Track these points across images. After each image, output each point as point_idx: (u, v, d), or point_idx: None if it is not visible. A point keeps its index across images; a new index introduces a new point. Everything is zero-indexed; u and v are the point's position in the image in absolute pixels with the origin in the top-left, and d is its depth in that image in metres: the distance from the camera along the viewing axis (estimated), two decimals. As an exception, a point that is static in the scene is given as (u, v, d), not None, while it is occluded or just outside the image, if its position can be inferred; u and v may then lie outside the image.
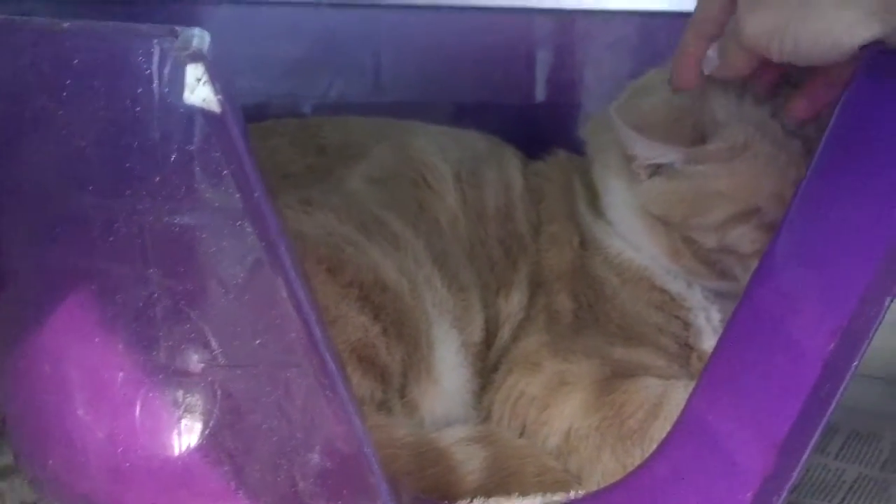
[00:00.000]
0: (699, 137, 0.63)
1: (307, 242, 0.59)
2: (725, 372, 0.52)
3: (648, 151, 0.64)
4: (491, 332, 0.67)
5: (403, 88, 0.86)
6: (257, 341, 0.46)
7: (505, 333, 0.67)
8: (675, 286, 0.69)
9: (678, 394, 0.62)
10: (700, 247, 0.65)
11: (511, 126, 0.88)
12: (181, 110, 0.40)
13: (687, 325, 0.68)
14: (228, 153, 0.40)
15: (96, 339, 0.48)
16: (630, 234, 0.68)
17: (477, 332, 0.65)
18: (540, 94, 0.87)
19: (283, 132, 0.71)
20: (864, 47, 0.49)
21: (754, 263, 0.61)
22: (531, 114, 0.88)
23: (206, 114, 0.40)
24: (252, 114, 0.82)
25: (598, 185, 0.70)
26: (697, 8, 0.59)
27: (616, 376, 0.64)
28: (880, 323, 0.44)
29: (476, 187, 0.71)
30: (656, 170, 0.65)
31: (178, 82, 0.40)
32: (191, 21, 0.81)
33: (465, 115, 0.86)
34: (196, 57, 0.39)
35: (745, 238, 0.63)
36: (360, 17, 0.85)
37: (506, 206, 0.71)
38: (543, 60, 0.87)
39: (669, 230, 0.66)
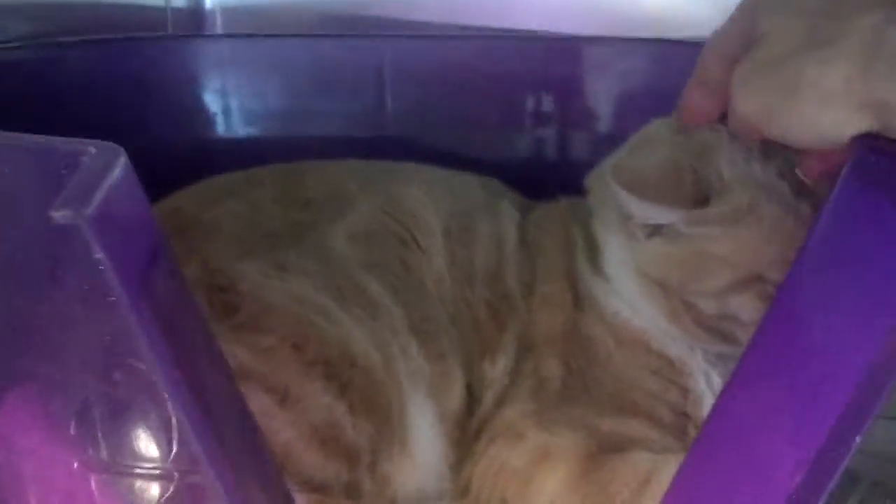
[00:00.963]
0: (701, 198, 0.59)
1: (274, 315, 0.57)
2: (696, 480, 0.49)
3: (645, 213, 0.60)
4: (474, 398, 0.65)
5: (408, 120, 0.83)
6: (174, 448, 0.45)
7: (488, 400, 0.64)
8: (675, 350, 0.65)
9: (668, 471, 0.58)
10: (700, 311, 0.61)
11: (519, 156, 0.85)
12: (87, 225, 0.38)
13: (685, 391, 0.65)
14: (124, 270, 0.38)
15: (44, 435, 0.48)
16: (628, 293, 0.65)
17: (455, 401, 0.63)
18: (549, 123, 0.84)
19: (266, 183, 0.69)
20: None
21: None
22: (540, 143, 0.84)
23: (106, 230, 0.38)
24: (250, 148, 0.82)
25: (598, 240, 0.67)
26: (698, 65, 0.55)
27: (603, 451, 0.61)
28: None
29: (466, 245, 0.68)
30: (655, 230, 0.61)
31: (85, 198, 0.38)
32: (187, 55, 0.80)
33: (470, 146, 0.83)
34: (102, 176, 0.37)
35: (746, 307, 0.59)
36: (362, 48, 0.82)
37: (497, 264, 0.68)
38: (553, 89, 0.82)
39: (668, 292, 0.62)
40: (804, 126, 0.45)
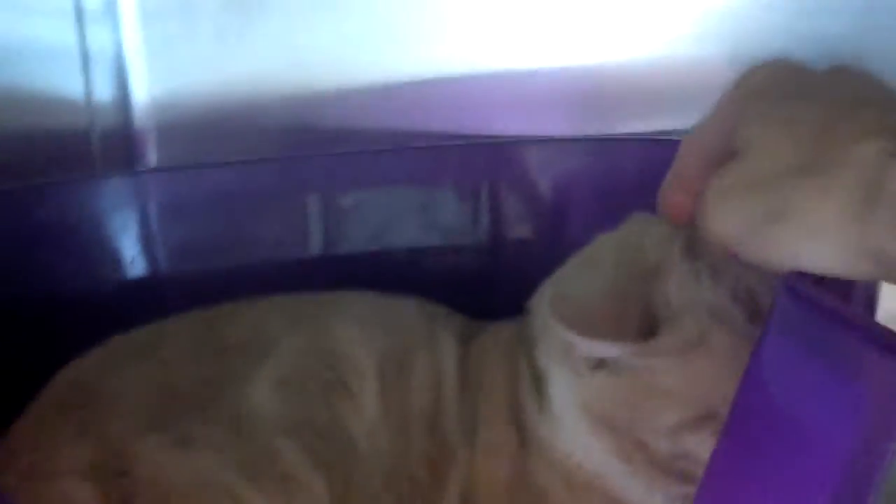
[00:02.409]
0: (648, 328, 0.53)
1: (171, 499, 0.52)
2: None
3: (588, 348, 0.54)
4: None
5: (346, 241, 0.78)
6: None
7: (430, 568, 0.58)
8: (635, 494, 0.58)
9: None
10: (653, 451, 0.55)
11: (463, 271, 0.79)
12: None
13: None
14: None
15: None
16: (576, 432, 0.58)
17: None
18: (491, 232, 0.78)
19: (179, 335, 0.63)
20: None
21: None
22: (482, 254, 0.78)
23: None
24: (181, 287, 0.76)
25: (542, 371, 0.61)
26: (676, 161, 0.50)
27: None
28: None
29: (401, 389, 0.62)
30: (599, 363, 0.55)
31: None
32: (106, 194, 0.76)
33: (412, 262, 0.78)
34: None
35: (703, 446, 0.52)
36: (294, 169, 0.77)
37: (434, 407, 0.62)
38: (501, 196, 0.77)
39: (617, 431, 0.56)
40: (786, 255, 0.40)
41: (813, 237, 0.39)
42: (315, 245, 0.78)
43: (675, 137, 0.74)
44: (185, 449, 0.54)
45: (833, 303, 0.37)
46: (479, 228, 0.77)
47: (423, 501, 0.59)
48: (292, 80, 0.90)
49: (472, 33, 0.89)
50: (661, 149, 0.74)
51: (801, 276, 0.39)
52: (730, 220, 0.43)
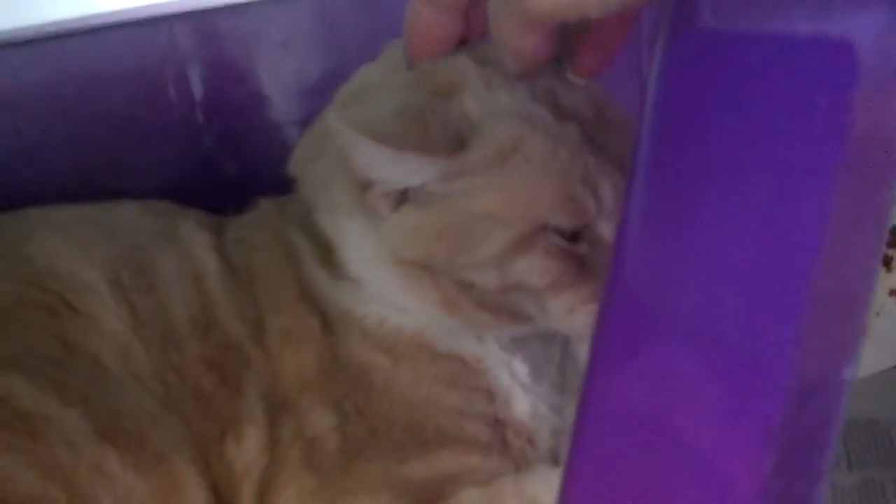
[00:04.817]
0: (453, 145, 0.44)
1: None
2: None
3: (394, 169, 0.43)
4: (226, 499, 0.45)
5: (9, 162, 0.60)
6: None
7: (247, 493, 0.45)
8: (464, 346, 0.50)
9: (507, 498, 0.45)
10: (480, 290, 0.46)
11: (177, 169, 0.65)
12: None
13: (490, 393, 0.50)
14: None
15: None
16: (386, 290, 0.48)
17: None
18: (203, 116, 0.64)
19: None
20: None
21: (552, 299, 0.45)
22: (198, 145, 0.64)
23: None
24: None
25: (329, 235, 0.49)
26: None
27: (422, 505, 0.44)
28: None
29: (149, 292, 0.48)
30: (402, 198, 0.45)
31: None
32: None
33: (107, 171, 0.62)
34: None
35: (535, 268, 0.44)
36: None
37: (202, 306, 0.48)
38: (197, 71, 0.63)
39: (435, 276, 0.46)
40: None
41: None
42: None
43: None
44: None
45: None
46: (191, 113, 0.63)
47: (218, 415, 0.46)
48: None
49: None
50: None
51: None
52: None
